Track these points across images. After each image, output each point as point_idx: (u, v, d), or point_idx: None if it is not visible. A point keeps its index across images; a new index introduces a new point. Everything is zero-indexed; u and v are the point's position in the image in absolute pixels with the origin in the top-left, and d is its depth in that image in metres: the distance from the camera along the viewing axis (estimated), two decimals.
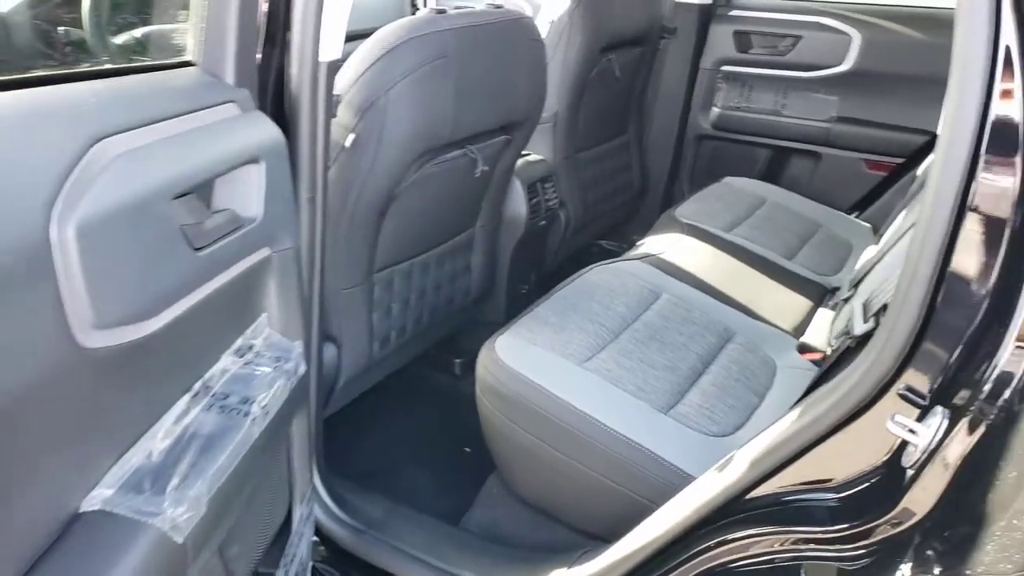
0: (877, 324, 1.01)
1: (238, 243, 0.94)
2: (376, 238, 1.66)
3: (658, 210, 3.02)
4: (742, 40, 2.75)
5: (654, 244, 2.09)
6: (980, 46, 0.81)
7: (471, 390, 2.29)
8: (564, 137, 2.37)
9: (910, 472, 0.86)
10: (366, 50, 1.47)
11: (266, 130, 1.02)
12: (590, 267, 1.88)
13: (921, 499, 0.84)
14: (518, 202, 2.18)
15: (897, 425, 0.88)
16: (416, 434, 2.03)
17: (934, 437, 0.84)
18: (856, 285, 1.63)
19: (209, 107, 0.95)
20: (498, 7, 1.71)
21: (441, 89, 1.53)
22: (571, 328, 1.61)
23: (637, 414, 1.43)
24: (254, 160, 0.97)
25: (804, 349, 1.78)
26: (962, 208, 0.84)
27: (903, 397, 0.91)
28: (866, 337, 1.03)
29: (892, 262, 1.10)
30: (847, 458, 0.96)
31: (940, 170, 0.85)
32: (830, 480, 0.96)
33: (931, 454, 0.84)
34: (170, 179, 0.83)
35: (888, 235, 1.51)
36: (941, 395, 0.87)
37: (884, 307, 1.02)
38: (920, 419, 0.88)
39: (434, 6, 1.62)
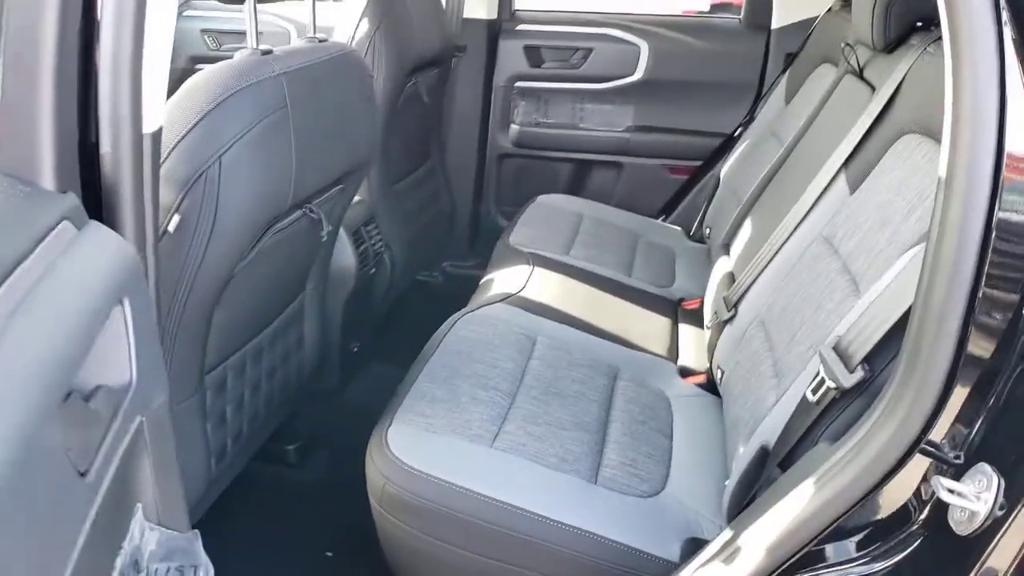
0: (869, 374, 0.95)
1: (118, 431, 0.64)
2: (207, 334, 1.33)
3: (467, 234, 2.89)
4: (533, 55, 2.69)
5: (505, 280, 1.94)
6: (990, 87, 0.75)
7: (311, 478, 2.00)
8: (380, 172, 2.14)
9: (973, 540, 0.79)
10: (182, 106, 1.15)
11: (119, 251, 0.72)
12: (453, 320, 1.69)
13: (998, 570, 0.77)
14: (344, 252, 1.92)
15: (939, 487, 0.81)
16: (260, 545, 1.70)
17: (995, 499, 0.77)
18: (735, 306, 1.60)
19: (44, 237, 0.63)
20: (322, 40, 1.45)
21: (282, 145, 1.25)
22: (465, 401, 1.41)
23: (571, 494, 1.27)
24: (118, 302, 0.67)
25: (685, 373, 1.74)
26: (984, 251, 0.78)
27: (931, 455, 0.84)
28: (855, 387, 0.96)
29: (861, 305, 1.05)
30: (882, 529, 0.88)
31: (960, 214, 0.78)
32: (863, 557, 0.88)
33: (996, 519, 0.77)
34: (50, 382, 0.52)
35: (780, 262, 1.49)
36: (984, 451, 0.81)
37: (870, 355, 0.95)
38: (957, 478, 0.82)
39: (255, 45, 1.31)
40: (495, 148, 2.78)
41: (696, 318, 1.94)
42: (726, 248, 1.93)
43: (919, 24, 1.46)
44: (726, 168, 2.44)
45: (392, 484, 1.24)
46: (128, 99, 0.81)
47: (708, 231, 2.40)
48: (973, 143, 0.77)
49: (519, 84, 2.72)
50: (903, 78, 1.36)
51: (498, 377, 1.49)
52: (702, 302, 2.01)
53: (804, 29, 2.34)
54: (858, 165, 1.41)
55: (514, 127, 2.75)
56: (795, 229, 1.51)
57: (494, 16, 2.65)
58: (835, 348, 1.01)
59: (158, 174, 0.89)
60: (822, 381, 1.01)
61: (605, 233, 2.37)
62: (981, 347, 0.81)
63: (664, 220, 2.71)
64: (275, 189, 1.27)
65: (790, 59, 2.38)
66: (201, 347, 1.33)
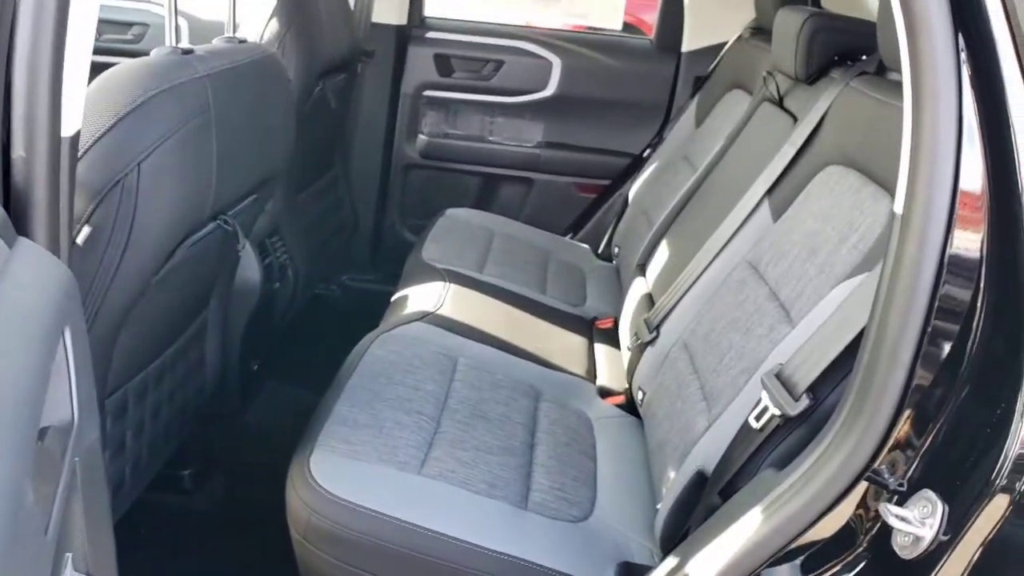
0: (814, 402, 0.96)
1: (67, 475, 0.55)
2: (111, 355, 1.21)
3: (369, 247, 2.80)
4: (443, 64, 2.64)
5: (420, 298, 1.88)
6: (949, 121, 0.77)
7: (209, 505, 1.87)
8: (284, 181, 2.03)
9: (917, 564, 0.81)
10: (95, 106, 1.03)
11: (56, 274, 0.62)
12: (369, 340, 1.61)
13: None
14: (249, 266, 1.80)
15: (887, 513, 0.82)
16: None
17: (940, 524, 0.79)
18: (657, 328, 1.61)
19: None
20: (242, 41, 1.34)
21: (204, 152, 1.15)
22: (389, 426, 1.34)
23: (502, 520, 1.22)
24: (61, 332, 0.58)
25: (605, 394, 1.73)
26: (936, 287, 0.80)
27: (876, 482, 0.85)
28: (800, 415, 0.97)
29: (799, 334, 1.06)
30: (826, 552, 0.89)
31: (916, 252, 0.79)
32: None
33: (941, 544, 0.79)
34: (26, 420, 0.44)
35: (703, 286, 1.50)
36: (928, 477, 0.82)
37: (814, 384, 0.96)
38: (901, 503, 0.83)
39: (175, 44, 1.20)
40: (401, 158, 2.71)
41: (610, 338, 1.94)
42: (642, 269, 1.94)
43: (836, 58, 1.52)
44: (635, 189, 2.47)
45: (318, 515, 1.16)
46: (47, 102, 0.71)
47: (616, 250, 2.42)
48: (931, 184, 0.78)
49: (428, 93, 2.66)
50: (827, 110, 1.40)
51: (421, 400, 1.43)
52: (615, 322, 2.02)
53: (714, 54, 2.40)
54: (782, 193, 1.45)
55: (421, 137, 2.69)
56: (718, 253, 1.53)
57: (403, 22, 2.59)
58: (778, 376, 1.02)
59: (75, 181, 0.79)
60: (766, 408, 1.02)
61: (516, 250, 2.35)
62: (924, 376, 0.83)
63: (572, 238, 2.72)
64: (195, 199, 1.17)
65: (700, 83, 2.44)
66: (103, 370, 1.20)
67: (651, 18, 2.72)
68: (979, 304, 0.79)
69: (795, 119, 1.56)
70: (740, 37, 2.33)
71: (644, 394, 1.58)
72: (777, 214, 1.44)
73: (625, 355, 1.76)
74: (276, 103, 1.42)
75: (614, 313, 2.08)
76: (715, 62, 2.39)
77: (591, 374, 1.79)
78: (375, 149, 2.68)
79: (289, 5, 1.88)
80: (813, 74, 1.53)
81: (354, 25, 2.36)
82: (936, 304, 0.80)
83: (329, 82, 2.16)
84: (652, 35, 2.64)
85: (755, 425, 1.02)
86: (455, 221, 2.43)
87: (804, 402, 0.96)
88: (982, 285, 0.79)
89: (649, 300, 1.77)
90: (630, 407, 1.67)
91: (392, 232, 2.79)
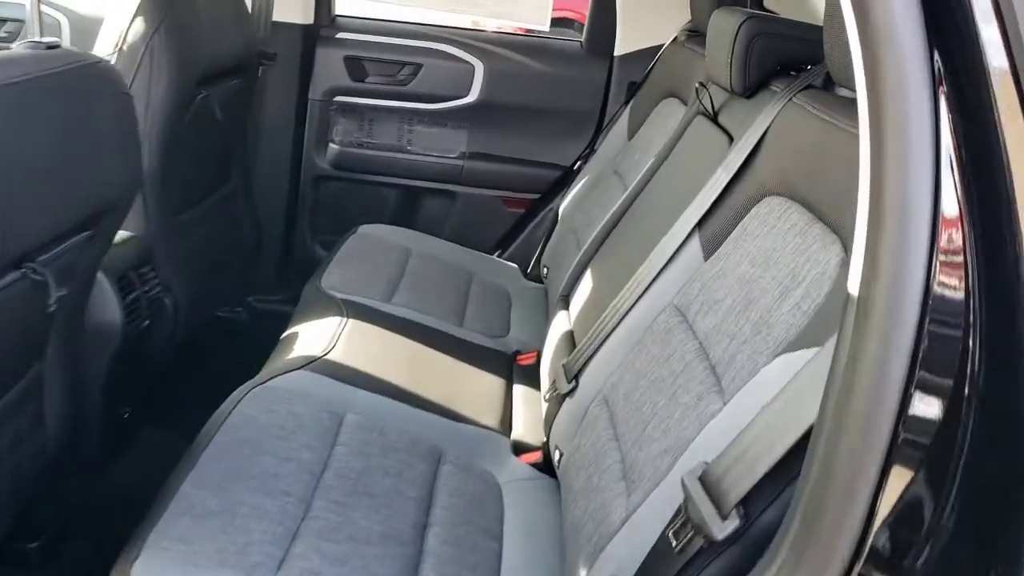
0: (745, 520, 0.75)
1: None
2: None
3: (277, 265, 2.54)
4: (355, 67, 2.39)
5: (311, 336, 1.64)
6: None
7: None
8: (158, 201, 1.76)
9: None
10: None
11: None
12: (238, 396, 1.37)
13: None
14: (107, 305, 1.54)
15: None
16: None
17: None
18: (576, 378, 1.39)
19: None
20: (53, 47, 1.08)
21: None
22: (245, 514, 1.10)
23: None
24: None
25: (519, 449, 1.51)
26: (907, 391, 0.59)
27: None
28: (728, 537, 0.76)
29: (731, 417, 0.86)
30: None
31: (879, 341, 0.59)
32: None
33: None
34: None
35: (627, 329, 1.29)
36: None
37: (747, 498, 0.75)
38: None
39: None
40: (311, 169, 2.45)
41: (532, 377, 1.72)
42: (565, 301, 1.73)
43: (779, 68, 1.32)
44: (565, 204, 2.26)
45: None
46: None
47: (546, 271, 2.21)
48: (899, 250, 0.58)
49: (339, 99, 2.41)
50: (766, 130, 1.20)
51: (291, 476, 1.20)
52: (538, 356, 1.80)
53: (649, 58, 2.20)
54: (715, 226, 1.24)
55: (333, 147, 2.44)
56: (644, 292, 1.32)
57: (310, 21, 2.33)
58: (703, 480, 0.81)
59: None
60: (686, 522, 0.80)
61: (434, 272, 2.12)
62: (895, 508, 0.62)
63: (500, 256, 2.50)
64: None
65: (634, 89, 2.23)
66: None
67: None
68: (965, 416, 0.59)
69: (731, 138, 1.35)
70: (675, 40, 2.13)
71: (561, 455, 1.37)
72: (709, 251, 1.24)
73: (543, 404, 1.55)
74: (106, 121, 1.17)
75: (538, 344, 1.87)
76: (649, 67, 2.19)
77: (506, 425, 1.57)
78: (281, 160, 2.42)
79: (156, 3, 1.62)
80: (751, 86, 1.33)
81: (249, 24, 2.10)
82: (907, 414, 0.60)
83: (216, 89, 1.90)
84: (582, 37, 2.43)
85: (673, 543, 0.81)
86: (367, 240, 2.20)
87: (734, 522, 0.75)
88: (967, 392, 0.58)
89: (570, 340, 1.56)
90: (547, 465, 1.46)
91: (302, 249, 2.54)
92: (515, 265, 2.39)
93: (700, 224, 1.27)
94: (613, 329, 1.34)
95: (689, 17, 2.11)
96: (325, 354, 1.53)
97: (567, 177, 2.40)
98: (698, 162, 1.44)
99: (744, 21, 1.30)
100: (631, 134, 2.13)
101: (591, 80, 2.37)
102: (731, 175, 1.23)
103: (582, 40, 2.43)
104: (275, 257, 2.52)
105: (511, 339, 1.91)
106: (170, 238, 1.82)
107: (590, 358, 1.36)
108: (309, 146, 2.43)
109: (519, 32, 2.59)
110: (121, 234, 1.68)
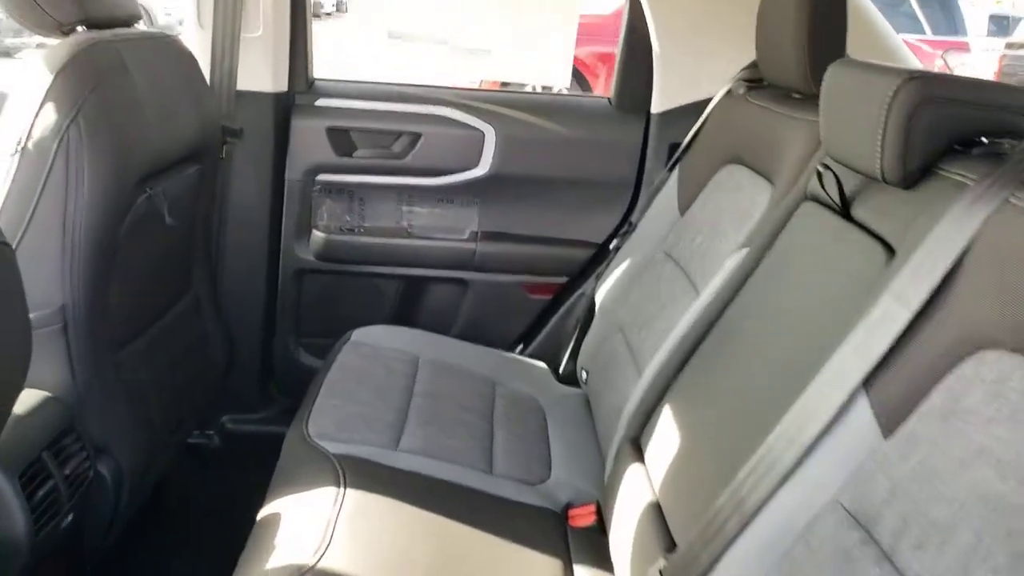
0: None
1: None
2: None
3: (256, 378, 2.12)
4: (340, 140, 1.99)
5: (297, 523, 1.21)
6: None
7: None
8: (87, 340, 1.35)
9: None
10: None
11: None
12: None
13: None
14: (4, 513, 1.11)
15: None
16: None
17: None
18: None
19: None
20: None
21: None
22: None
23: None
24: None
25: None
26: None
27: None
28: None
29: None
30: None
31: None
32: None
33: None
34: None
35: (771, 527, 0.88)
36: None
37: None
38: None
39: None
40: (291, 262, 2.05)
41: (596, 551, 1.30)
42: (636, 447, 1.31)
43: (957, 147, 0.92)
44: (603, 292, 1.86)
45: None
46: None
47: (585, 374, 1.80)
48: None
49: (323, 178, 2.01)
50: (966, 248, 0.80)
51: None
52: (597, 511, 1.39)
53: (695, 114, 1.82)
54: (894, 388, 0.83)
55: (317, 234, 2.03)
56: (785, 477, 0.90)
57: (283, 88, 1.94)
58: None
59: None
60: None
61: (450, 388, 1.71)
62: None
63: (522, 352, 2.09)
64: None
65: (678, 153, 1.85)
66: None
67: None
68: None
69: (887, 247, 0.95)
70: (730, 92, 1.74)
71: None
72: (888, 425, 0.83)
73: None
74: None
75: (594, 489, 1.46)
76: (697, 126, 1.80)
77: None
78: (255, 253, 2.02)
79: (70, 85, 1.22)
80: (912, 174, 0.93)
81: (208, 98, 1.70)
82: None
83: (166, 183, 1.49)
84: (611, 94, 2.04)
85: None
86: (362, 349, 1.78)
87: None
88: None
89: (661, 525, 1.13)
90: None
91: (284, 356, 2.12)
92: (543, 364, 1.98)
93: (868, 382, 0.86)
94: (741, 529, 0.92)
95: (742, 63, 1.74)
96: (318, 561, 1.11)
97: (600, 256, 2.00)
98: (832, 273, 1.04)
99: (904, 83, 0.90)
100: (683, 208, 1.73)
101: (624, 143, 1.98)
102: (912, 313, 0.83)
103: (611, 97, 2.04)
104: (253, 368, 2.10)
105: (557, 485, 1.49)
106: (106, 384, 1.40)
107: (707, 572, 0.94)
108: (288, 235, 2.02)
109: (534, 91, 2.19)
110: (31, 398, 1.25)
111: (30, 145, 1.22)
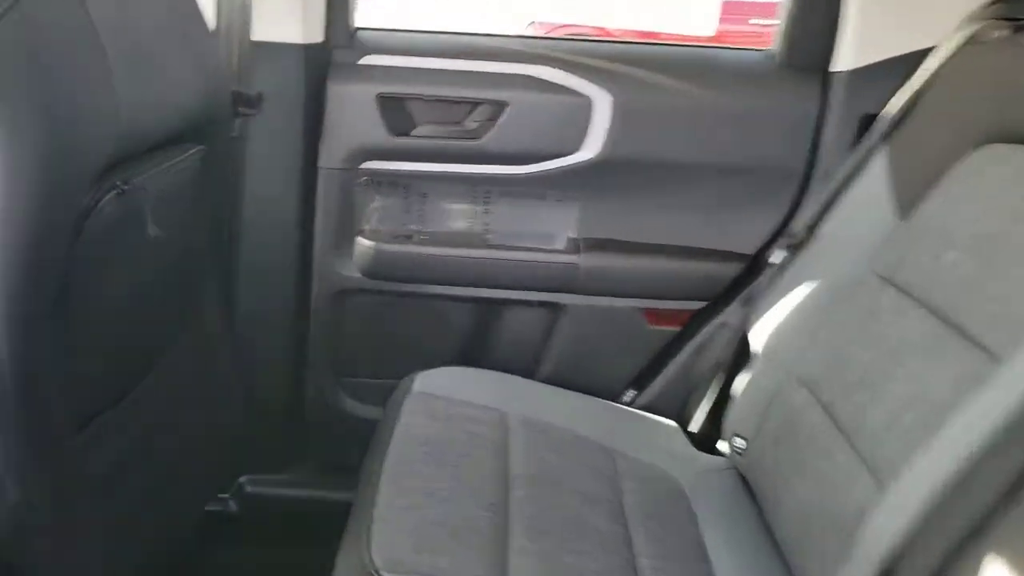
0: None
1: None
2: None
3: (280, 431, 1.61)
4: (394, 112, 1.44)
5: None
6: None
7: None
8: (20, 428, 0.82)
9: None
10: None
11: None
12: None
13: None
14: None
15: None
16: None
17: None
18: None
19: None
20: None
21: None
22: None
23: None
24: None
25: None
26: None
27: None
28: None
29: None
30: None
31: None
32: None
33: None
34: None
35: None
36: None
37: None
38: None
39: None
40: (328, 280, 1.51)
41: None
42: None
43: None
44: (762, 324, 1.32)
45: None
46: None
47: (742, 444, 1.28)
48: None
49: (370, 166, 1.47)
50: None
51: None
52: None
53: (897, 73, 1.26)
54: None
55: (363, 243, 1.49)
56: None
57: (317, 39, 1.40)
58: None
59: None
60: None
61: (558, 466, 1.22)
62: None
63: (635, 399, 1.56)
64: None
65: (871, 127, 1.30)
66: None
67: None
68: None
69: None
70: (973, 37, 1.19)
71: None
72: None
73: None
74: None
75: None
76: (916, 87, 1.25)
77: None
78: (280, 268, 1.49)
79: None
80: None
81: (212, 49, 1.16)
82: None
83: (147, 174, 0.96)
84: (774, 45, 1.48)
85: None
86: (432, 403, 1.29)
87: None
88: None
89: None
90: None
91: (319, 402, 1.60)
92: (670, 423, 1.45)
93: None
94: None
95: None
96: None
97: (752, 273, 1.46)
98: None
99: None
100: (903, 209, 1.18)
101: (791, 114, 1.42)
102: None
103: (775, 50, 1.47)
104: (277, 417, 1.59)
105: None
106: (58, 494, 0.88)
107: None
108: (324, 243, 1.49)
109: (664, 40, 1.62)
110: None
111: None
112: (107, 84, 0.83)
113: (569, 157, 1.44)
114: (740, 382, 1.34)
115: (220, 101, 1.14)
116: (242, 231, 1.44)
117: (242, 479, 1.62)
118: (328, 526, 1.11)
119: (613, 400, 1.52)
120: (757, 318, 1.34)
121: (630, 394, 1.56)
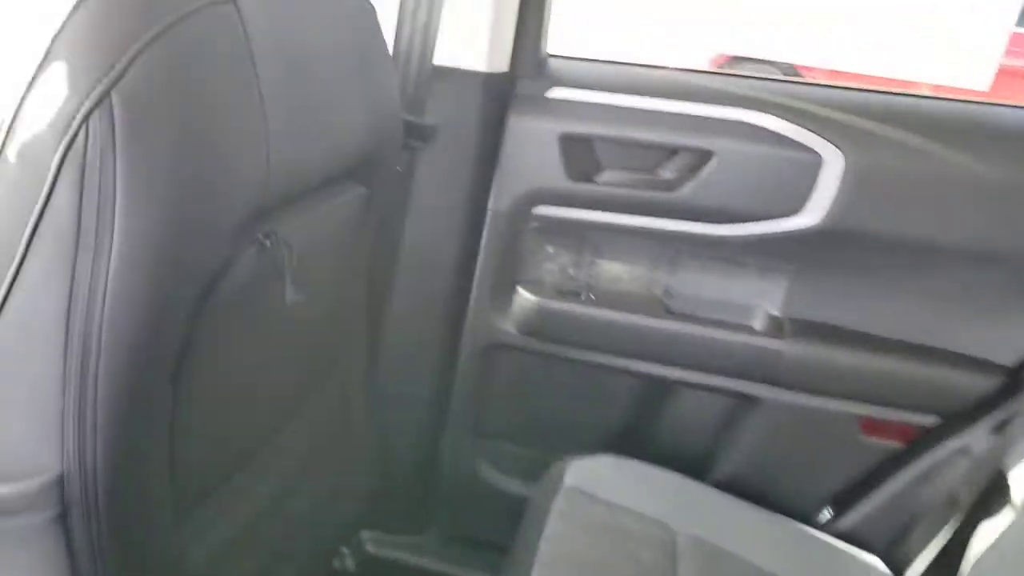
0: None
1: None
2: None
3: (411, 485, 1.45)
4: (578, 154, 1.25)
5: None
6: None
7: None
8: (117, 529, 0.68)
9: None
10: None
11: None
12: None
13: None
14: None
15: None
16: None
17: None
18: None
19: None
20: None
21: None
22: None
23: None
24: None
25: None
26: None
27: None
28: None
29: None
30: None
31: None
32: None
33: None
34: None
35: None
36: None
37: None
38: None
39: None
40: (481, 333, 1.33)
41: None
42: None
43: None
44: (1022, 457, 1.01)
45: None
46: None
47: None
48: None
49: (543, 211, 1.28)
50: None
51: None
52: None
53: None
54: None
55: (525, 295, 1.31)
56: None
57: (503, 68, 1.23)
58: None
59: None
60: None
61: None
62: None
63: (832, 523, 1.27)
64: None
65: None
66: None
67: None
68: None
69: None
70: None
71: None
72: None
73: None
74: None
75: None
76: None
77: None
78: (429, 316, 1.33)
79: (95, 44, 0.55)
80: None
81: (387, 81, 1.01)
82: None
83: (296, 223, 0.80)
84: None
85: None
86: (588, 508, 1.08)
87: None
88: None
89: None
90: None
91: (456, 465, 1.43)
92: (876, 560, 1.16)
93: None
94: None
95: None
96: None
97: (1010, 389, 1.15)
98: None
99: None
100: None
101: None
102: None
103: None
104: (409, 476, 1.43)
105: None
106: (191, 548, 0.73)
107: None
108: (481, 292, 1.32)
109: (918, 91, 1.34)
110: None
111: (11, 157, 0.57)
112: (257, 111, 0.68)
113: (783, 220, 1.19)
114: (988, 533, 1.03)
115: (391, 135, 0.98)
116: (396, 274, 1.29)
117: (363, 535, 1.48)
118: None
119: (804, 518, 1.24)
120: (1018, 453, 1.04)
121: (826, 514, 1.28)
